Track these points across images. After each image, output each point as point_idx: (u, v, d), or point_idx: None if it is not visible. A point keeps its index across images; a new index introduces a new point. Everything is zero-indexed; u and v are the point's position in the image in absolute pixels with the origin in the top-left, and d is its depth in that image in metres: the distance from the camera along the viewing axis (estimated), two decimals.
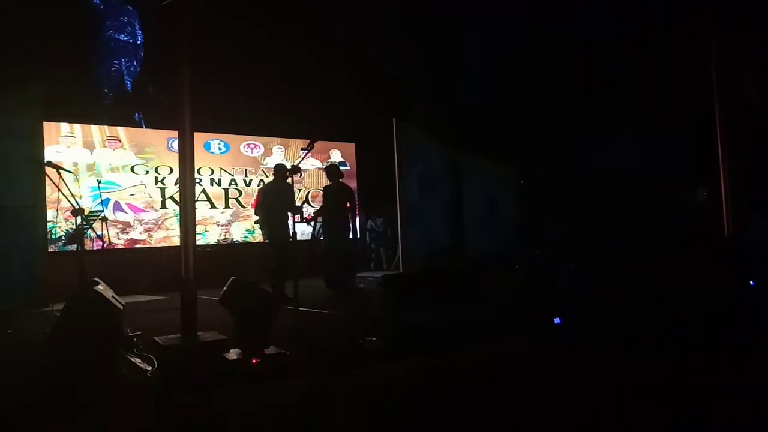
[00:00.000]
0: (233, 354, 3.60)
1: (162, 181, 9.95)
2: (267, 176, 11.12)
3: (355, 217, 8.45)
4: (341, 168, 12.11)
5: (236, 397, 3.09)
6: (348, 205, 8.11)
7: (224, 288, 4.02)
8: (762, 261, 6.20)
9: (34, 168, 7.23)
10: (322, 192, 8.70)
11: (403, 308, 4.33)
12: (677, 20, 9.07)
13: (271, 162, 11.19)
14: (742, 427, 3.13)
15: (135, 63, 11.15)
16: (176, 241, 9.33)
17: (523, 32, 10.81)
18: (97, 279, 4.29)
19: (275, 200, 7.25)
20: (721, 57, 7.46)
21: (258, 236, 10.92)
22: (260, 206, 7.54)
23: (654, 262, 7.64)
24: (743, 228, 7.27)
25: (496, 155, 10.91)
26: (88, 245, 7.88)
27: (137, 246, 9.59)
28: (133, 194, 9.65)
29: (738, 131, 7.45)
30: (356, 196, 8.52)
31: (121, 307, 4.02)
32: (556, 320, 4.59)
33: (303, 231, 11.26)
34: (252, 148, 11.06)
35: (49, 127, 8.73)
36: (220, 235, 10.57)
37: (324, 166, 9.13)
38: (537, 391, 3.58)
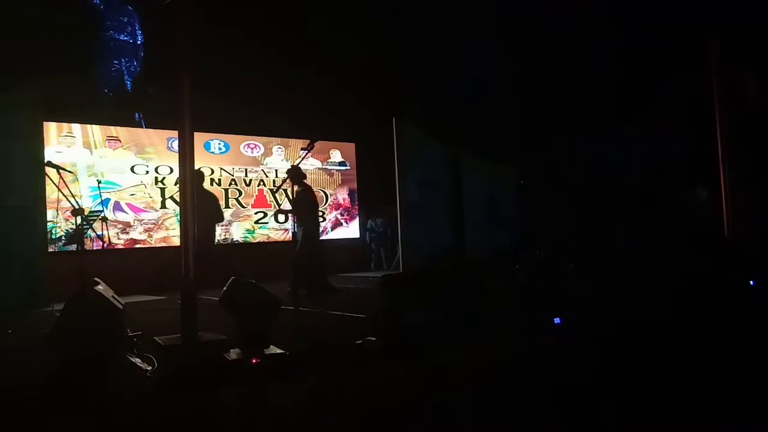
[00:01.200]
0: (233, 354, 3.59)
1: (162, 181, 9.95)
2: (267, 176, 11.13)
3: (305, 218, 8.16)
4: (342, 168, 12.13)
5: (236, 397, 3.09)
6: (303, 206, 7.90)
7: (224, 288, 4.01)
8: (762, 261, 6.20)
9: (34, 168, 7.23)
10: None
11: (403, 308, 4.33)
12: (677, 19, 9.07)
13: (271, 162, 11.21)
14: (742, 427, 3.13)
15: (135, 63, 11.15)
16: (176, 241, 9.33)
17: (523, 31, 10.81)
18: (97, 279, 4.28)
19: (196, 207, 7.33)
20: (721, 57, 7.45)
21: (258, 236, 10.94)
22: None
23: (654, 261, 7.65)
24: (743, 228, 7.27)
25: (496, 155, 10.91)
26: (88, 245, 7.88)
27: (137, 246, 9.60)
28: (133, 194, 9.66)
29: (738, 131, 7.44)
30: (310, 196, 8.12)
31: (121, 307, 4.01)
32: (556, 320, 4.58)
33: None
34: (252, 148, 11.06)
35: (49, 127, 8.74)
36: (220, 235, 10.57)
37: (288, 169, 8.62)
38: (537, 391, 3.58)
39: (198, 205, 7.36)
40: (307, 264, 7.59)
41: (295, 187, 7.84)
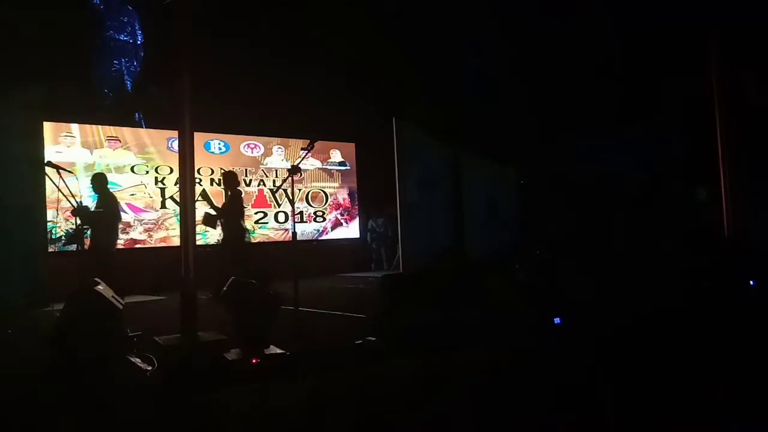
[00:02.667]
0: (233, 354, 3.59)
1: (162, 181, 9.95)
2: (267, 176, 11.13)
3: (230, 225, 7.56)
4: (342, 168, 12.11)
5: (236, 397, 3.09)
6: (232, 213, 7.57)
7: (224, 288, 4.02)
8: (762, 261, 6.20)
9: (34, 168, 7.23)
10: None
11: (403, 308, 4.34)
12: (677, 19, 9.07)
13: (271, 162, 11.20)
14: (743, 427, 3.13)
15: (135, 63, 11.15)
16: (176, 241, 9.33)
17: (523, 31, 10.80)
18: (97, 279, 4.28)
19: (99, 209, 7.04)
20: (721, 57, 7.45)
21: (258, 236, 10.94)
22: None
23: (654, 261, 7.64)
24: (743, 228, 7.26)
25: (496, 155, 10.91)
26: (89, 245, 7.87)
27: (137, 246, 9.60)
28: (133, 194, 9.65)
29: (738, 131, 7.44)
30: (240, 202, 7.66)
31: (121, 307, 4.01)
32: (556, 320, 4.59)
33: (303, 231, 11.28)
34: (252, 148, 11.06)
35: (49, 127, 8.74)
36: (220, 235, 10.56)
37: (223, 173, 8.16)
38: (537, 391, 3.58)
39: (101, 206, 7.09)
40: (229, 271, 7.28)
41: (228, 192, 7.52)
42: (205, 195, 7.44)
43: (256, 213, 10.95)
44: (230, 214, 7.53)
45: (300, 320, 4.63)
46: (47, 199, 7.77)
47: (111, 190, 7.48)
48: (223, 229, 7.74)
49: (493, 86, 11.23)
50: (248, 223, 10.78)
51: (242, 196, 7.88)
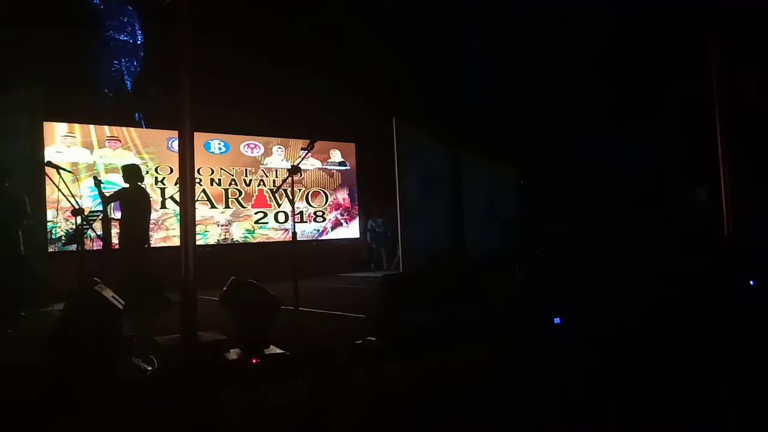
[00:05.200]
0: (233, 354, 3.59)
1: (162, 181, 9.95)
2: (267, 176, 11.13)
3: (128, 222, 7.02)
4: (342, 168, 12.09)
5: (236, 397, 3.09)
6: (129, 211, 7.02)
7: (224, 288, 4.01)
8: (762, 261, 6.20)
9: (34, 168, 7.22)
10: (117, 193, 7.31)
11: (403, 308, 4.33)
12: (678, 19, 9.07)
13: (271, 162, 11.20)
14: (742, 427, 3.13)
15: (135, 63, 11.14)
16: (176, 241, 9.33)
17: (523, 31, 10.80)
18: (97, 279, 4.28)
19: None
20: (722, 57, 7.45)
21: (258, 236, 10.94)
22: None
23: (654, 261, 7.64)
24: (743, 228, 7.26)
25: (496, 155, 10.90)
26: (88, 245, 7.88)
27: None
28: None
29: (738, 131, 7.44)
30: (142, 201, 7.09)
31: (121, 307, 4.01)
32: (556, 320, 4.58)
33: (303, 231, 11.28)
34: (252, 148, 11.07)
35: (49, 127, 8.74)
36: (220, 235, 10.57)
37: (122, 166, 7.60)
38: (537, 391, 3.58)
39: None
40: (134, 275, 6.71)
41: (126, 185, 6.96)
42: (96, 182, 6.96)
43: (256, 213, 10.96)
44: (124, 213, 7.01)
45: (300, 320, 4.63)
46: (47, 199, 7.76)
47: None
48: (120, 229, 7.21)
49: (492, 86, 11.23)
50: (248, 223, 10.80)
51: (146, 196, 7.29)
